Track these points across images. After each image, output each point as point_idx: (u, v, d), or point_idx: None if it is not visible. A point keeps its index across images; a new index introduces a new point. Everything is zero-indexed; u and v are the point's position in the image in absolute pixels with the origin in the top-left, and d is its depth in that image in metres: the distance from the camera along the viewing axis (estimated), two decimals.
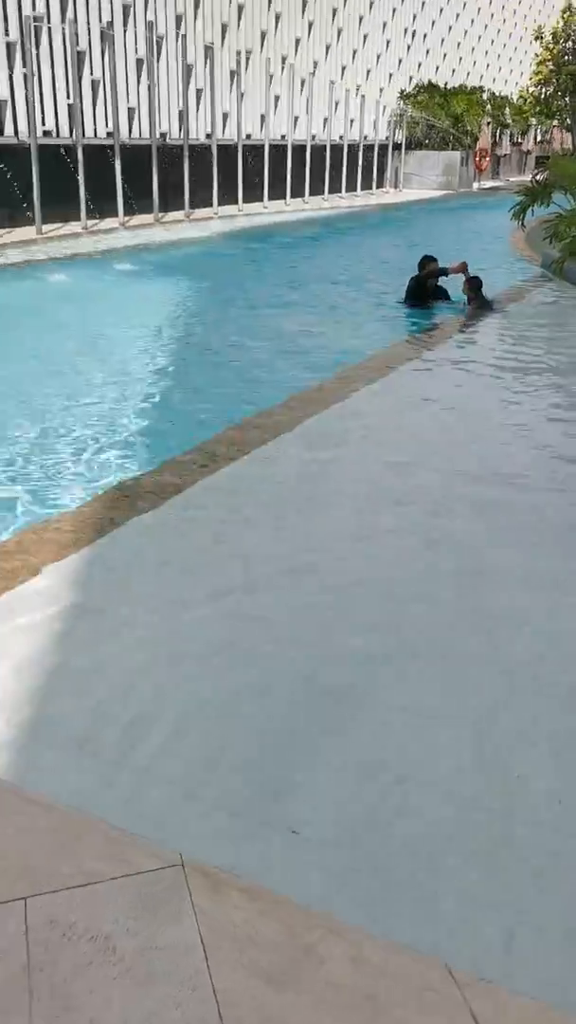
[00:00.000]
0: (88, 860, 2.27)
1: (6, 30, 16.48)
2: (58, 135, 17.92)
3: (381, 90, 31.94)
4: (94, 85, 18.90)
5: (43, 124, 17.46)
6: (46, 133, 17.50)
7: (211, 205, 21.47)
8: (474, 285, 9.72)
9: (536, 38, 37.93)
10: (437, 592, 3.61)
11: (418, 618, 3.41)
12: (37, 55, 17.04)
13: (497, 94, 40.19)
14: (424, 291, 9.72)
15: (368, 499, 4.50)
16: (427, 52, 35.73)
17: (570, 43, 37.35)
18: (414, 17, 34.08)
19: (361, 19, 30.02)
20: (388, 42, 32.29)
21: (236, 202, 22.43)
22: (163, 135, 20.54)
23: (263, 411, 5.66)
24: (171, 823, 2.42)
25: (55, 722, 2.78)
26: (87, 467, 5.18)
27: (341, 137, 28.72)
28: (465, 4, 38.56)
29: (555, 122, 42.40)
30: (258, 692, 2.94)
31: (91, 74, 18.76)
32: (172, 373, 7.30)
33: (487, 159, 36.40)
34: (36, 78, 16.65)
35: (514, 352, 7.72)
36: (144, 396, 6.56)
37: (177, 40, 20.74)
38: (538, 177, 13.60)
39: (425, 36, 35.34)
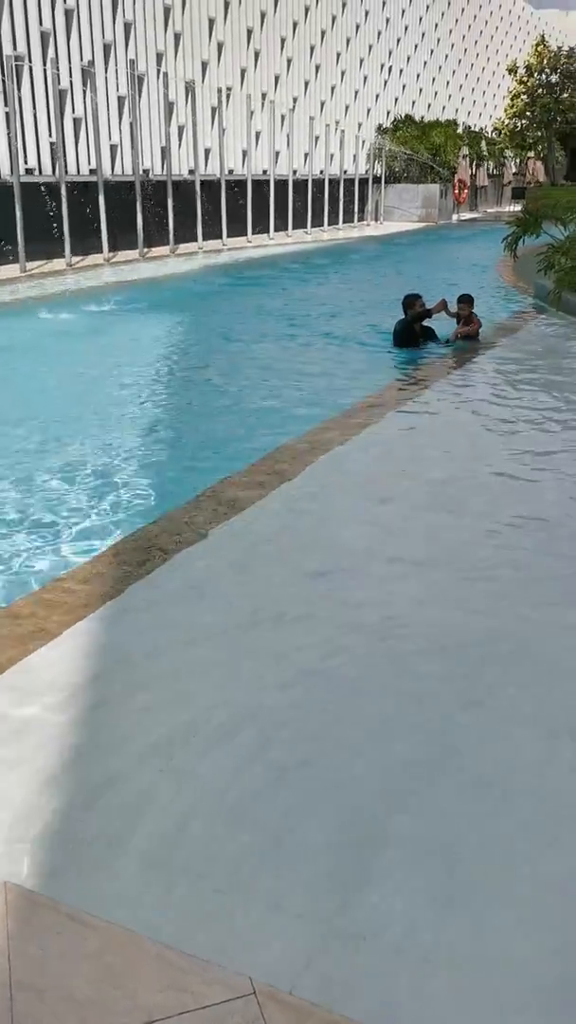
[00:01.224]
0: (144, 991, 1.97)
1: None
2: (41, 173, 17.82)
3: (360, 125, 32.24)
4: (76, 123, 18.85)
5: (25, 162, 17.36)
6: (28, 171, 17.40)
7: (195, 240, 21.42)
8: (467, 300, 9.53)
9: (510, 71, 38.50)
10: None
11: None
12: (19, 94, 16.98)
13: (473, 127, 40.72)
14: (413, 334, 9.42)
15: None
16: (403, 87, 36.16)
17: (543, 76, 37.91)
18: (390, 53, 34.51)
19: (339, 56, 30.33)
20: (366, 78, 32.63)
21: (220, 236, 22.40)
22: (146, 171, 20.51)
23: (240, 470, 5.26)
24: (233, 940, 2.13)
25: (83, 821, 2.48)
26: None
27: (322, 171, 28.88)
28: (439, 40, 39.14)
29: (531, 154, 43.00)
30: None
31: (73, 112, 18.72)
32: (153, 422, 7.02)
33: (466, 191, 36.77)
34: (18, 116, 16.56)
35: (517, 391, 7.52)
36: (126, 448, 6.27)
37: (158, 77, 20.78)
38: (528, 207, 13.54)
39: (401, 71, 35.78)
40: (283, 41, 26.78)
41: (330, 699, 3.01)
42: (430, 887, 2.26)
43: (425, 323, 9.50)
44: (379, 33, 33.25)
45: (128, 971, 2.03)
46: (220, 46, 23.63)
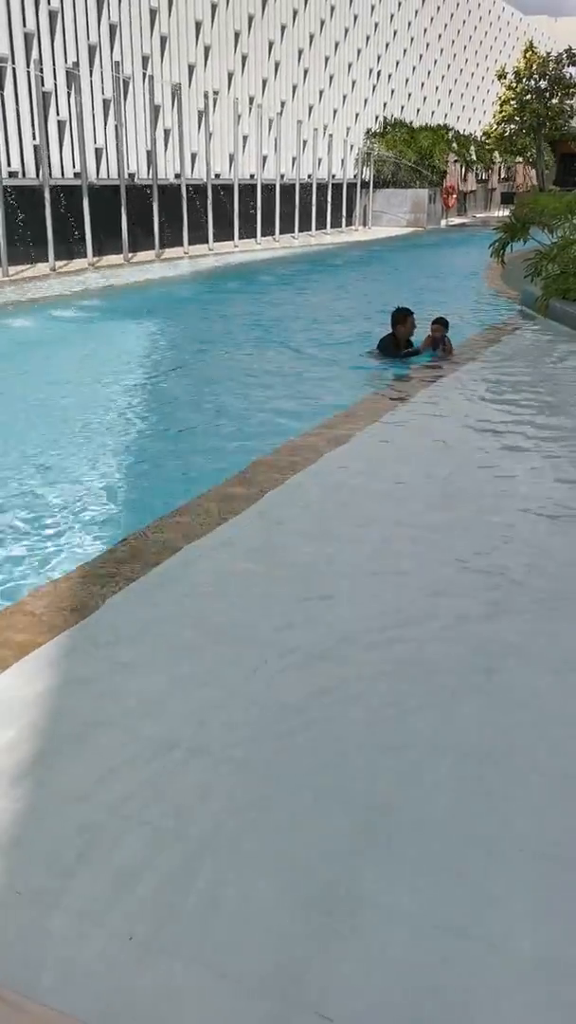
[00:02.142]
0: None
1: None
2: (24, 176, 17.60)
3: (348, 129, 32.12)
4: (60, 125, 18.65)
5: (8, 165, 17.15)
6: (11, 174, 17.18)
7: (181, 244, 21.24)
8: (441, 323, 9.09)
9: (499, 77, 38.46)
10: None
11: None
12: (2, 96, 16.77)
13: (462, 132, 40.67)
14: (396, 347, 8.96)
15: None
16: (392, 92, 36.08)
17: (532, 82, 37.88)
18: (378, 58, 34.43)
19: (327, 60, 30.22)
20: (354, 82, 32.53)
21: (206, 241, 22.22)
22: (131, 175, 20.33)
23: (226, 480, 5.09)
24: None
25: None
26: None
27: (309, 176, 28.75)
28: (428, 45, 39.10)
29: (520, 159, 42.96)
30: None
31: (57, 115, 18.52)
32: (136, 431, 6.85)
33: (454, 195, 36.71)
34: (1, 119, 16.34)
35: (505, 399, 7.37)
36: (108, 457, 6.10)
37: (144, 80, 20.60)
38: (516, 212, 13.41)
39: (390, 76, 35.70)
40: (271, 45, 26.64)
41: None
42: None
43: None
44: (367, 37, 33.16)
45: None
46: (207, 49, 23.47)
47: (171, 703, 2.98)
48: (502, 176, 45.50)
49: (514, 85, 38.07)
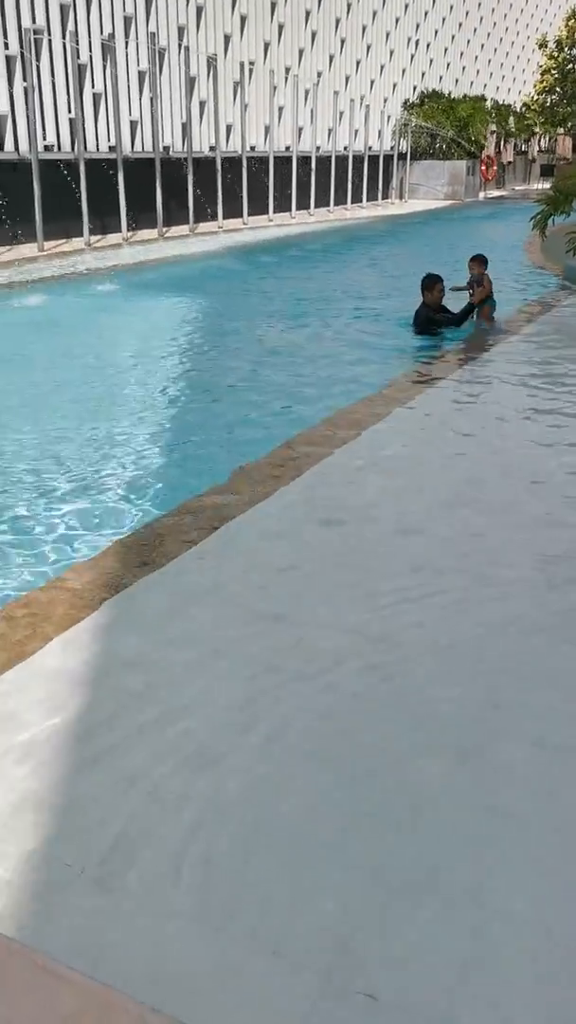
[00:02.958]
0: None
1: (6, 43, 16.10)
2: (59, 150, 17.54)
3: (385, 100, 31.63)
4: (96, 98, 18.53)
5: (44, 139, 17.08)
6: (47, 148, 17.13)
7: (215, 219, 21.09)
8: (479, 260, 9.03)
9: (540, 46, 37.64)
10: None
11: None
12: (38, 68, 16.67)
13: (501, 102, 39.90)
14: (431, 320, 8.81)
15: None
16: (431, 62, 35.44)
17: (574, 51, 37.03)
18: (417, 27, 33.80)
19: (364, 29, 29.72)
20: (392, 52, 31.98)
21: (241, 215, 22.03)
22: (166, 148, 20.17)
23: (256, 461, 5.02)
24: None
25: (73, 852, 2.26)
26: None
27: (346, 148, 28.37)
28: (468, 13, 38.31)
29: (561, 130, 42.11)
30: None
31: (93, 87, 18.40)
32: (173, 407, 6.81)
33: (494, 167, 36.08)
34: (37, 92, 16.27)
35: (546, 378, 7.21)
36: (141, 434, 6.07)
37: (180, 52, 20.38)
38: (558, 184, 13.11)
39: (428, 46, 35.06)
40: (308, 14, 26.23)
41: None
42: None
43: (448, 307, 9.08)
44: (406, 6, 32.54)
45: None
46: (243, 19, 23.17)
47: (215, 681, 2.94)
48: (542, 147, 44.63)
49: (555, 54, 37.32)
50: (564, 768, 2.54)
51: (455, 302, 9.16)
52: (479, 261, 9.06)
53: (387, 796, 2.43)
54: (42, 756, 2.58)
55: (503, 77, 43.33)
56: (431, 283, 8.85)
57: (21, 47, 15.98)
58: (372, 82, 30.78)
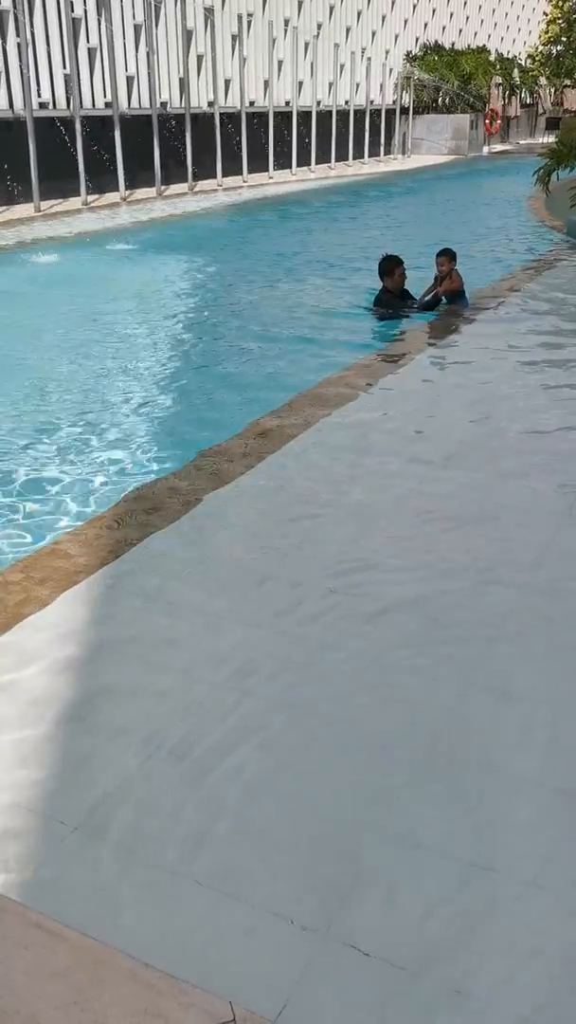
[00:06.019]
0: (113, 1017, 1.80)
1: None
2: (55, 107, 17.23)
3: (387, 52, 30.93)
4: (91, 53, 18.15)
5: (39, 96, 16.76)
6: (42, 105, 16.81)
7: (214, 177, 20.76)
8: (447, 255, 7.91)
9: None
10: None
11: None
12: (31, 23, 16.32)
13: (505, 54, 39.04)
14: (393, 301, 7.88)
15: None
16: (433, 12, 34.60)
17: None
18: None
19: None
20: (393, 2, 31.23)
21: (240, 173, 21.70)
22: (163, 104, 19.80)
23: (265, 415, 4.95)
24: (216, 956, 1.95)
25: (59, 808, 2.30)
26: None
27: (347, 102, 27.83)
28: None
29: (567, 82, 41.22)
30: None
31: (87, 42, 18.00)
32: (169, 369, 6.73)
33: (498, 121, 35.40)
34: (30, 48, 15.94)
35: (551, 334, 7.15)
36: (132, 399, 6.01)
37: (176, 3, 19.93)
38: (563, 138, 12.88)
39: None
40: None
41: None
42: None
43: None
44: None
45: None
46: None
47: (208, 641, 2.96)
48: (548, 100, 43.75)
49: (561, 3, 36.38)
50: None
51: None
52: (448, 256, 7.99)
53: None
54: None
55: (507, 28, 42.29)
56: (390, 267, 7.90)
57: (13, 2, 15.63)
58: (374, 33, 30.09)
